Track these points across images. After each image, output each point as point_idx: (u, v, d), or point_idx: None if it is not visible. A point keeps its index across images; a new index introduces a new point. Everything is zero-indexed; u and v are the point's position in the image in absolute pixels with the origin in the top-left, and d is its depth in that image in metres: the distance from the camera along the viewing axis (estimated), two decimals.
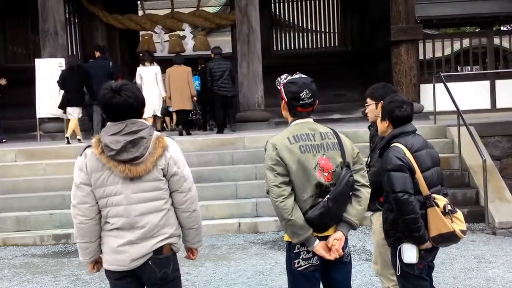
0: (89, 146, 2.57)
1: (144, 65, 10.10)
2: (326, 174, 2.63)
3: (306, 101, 2.69)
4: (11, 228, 6.90)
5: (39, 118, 10.39)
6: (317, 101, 2.75)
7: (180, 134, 10.14)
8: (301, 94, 2.69)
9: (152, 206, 2.57)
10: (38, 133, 10.48)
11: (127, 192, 2.53)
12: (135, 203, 2.54)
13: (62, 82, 9.40)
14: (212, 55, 10.47)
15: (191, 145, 8.43)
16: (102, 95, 2.56)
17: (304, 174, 2.61)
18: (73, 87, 9.45)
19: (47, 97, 10.02)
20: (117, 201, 2.54)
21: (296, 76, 2.83)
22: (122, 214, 2.55)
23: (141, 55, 11.10)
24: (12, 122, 11.64)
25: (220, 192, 7.32)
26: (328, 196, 2.58)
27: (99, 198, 2.56)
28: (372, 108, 3.63)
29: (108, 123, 2.59)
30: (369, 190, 2.76)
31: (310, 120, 2.75)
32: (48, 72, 9.94)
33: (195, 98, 10.61)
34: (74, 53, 13.62)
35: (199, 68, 12.20)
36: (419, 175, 3.13)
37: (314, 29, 14.78)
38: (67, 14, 12.26)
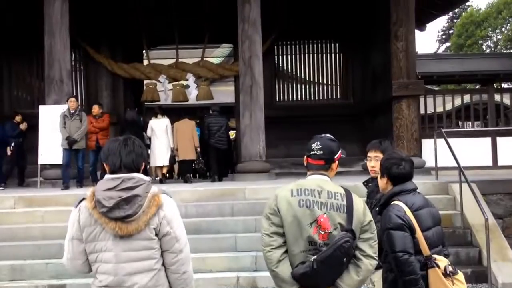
0: (84, 199, 2.53)
1: (156, 117, 11.27)
2: (322, 232, 2.60)
3: (315, 152, 2.74)
4: (6, 277, 6.74)
5: (40, 165, 10.40)
6: (335, 159, 2.78)
7: (185, 181, 10.87)
8: (312, 145, 2.77)
9: (142, 266, 2.50)
10: (39, 179, 10.46)
11: (117, 250, 2.48)
12: (124, 261, 2.48)
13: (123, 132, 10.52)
14: (211, 111, 11.42)
15: (191, 196, 8.36)
16: (109, 145, 2.59)
17: (298, 228, 2.59)
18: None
19: (50, 144, 10.09)
20: (106, 258, 2.49)
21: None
22: (111, 272, 2.49)
23: (146, 103, 11.52)
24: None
25: (219, 244, 7.19)
26: (315, 257, 2.55)
27: (90, 253, 2.51)
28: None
29: (106, 176, 2.55)
30: (374, 262, 2.68)
31: (324, 178, 2.75)
32: (52, 119, 10.04)
33: (198, 149, 11.34)
34: (78, 101, 13.74)
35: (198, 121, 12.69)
36: (419, 234, 3.09)
37: (316, 81, 14.96)
38: (73, 62, 12.47)
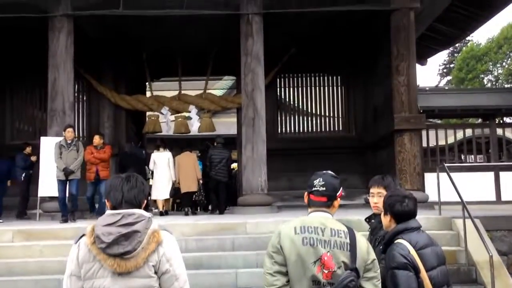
0: (84, 235, 2.48)
1: (158, 151, 11.43)
2: (326, 271, 2.53)
3: (318, 188, 2.70)
4: None
5: (40, 197, 10.32)
6: (337, 196, 2.74)
7: (186, 214, 10.91)
8: (315, 181, 2.73)
9: None
10: (38, 212, 10.34)
11: (115, 287, 2.41)
12: None
13: (122, 165, 10.54)
14: (215, 143, 11.62)
15: (191, 230, 8.25)
16: (111, 181, 2.58)
17: (302, 267, 2.53)
18: (131, 170, 9.75)
19: (51, 176, 10.00)
20: None
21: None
22: None
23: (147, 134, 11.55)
24: (12, 199, 11.58)
25: (219, 280, 7.04)
26: None
27: None
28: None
29: (106, 211, 2.53)
30: None
31: (326, 215, 2.70)
32: (53, 150, 10.01)
33: (201, 181, 11.57)
34: (80, 131, 13.84)
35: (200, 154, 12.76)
36: (423, 274, 3.02)
37: (318, 113, 15.00)
38: (75, 93, 12.54)
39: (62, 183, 9.52)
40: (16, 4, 10.33)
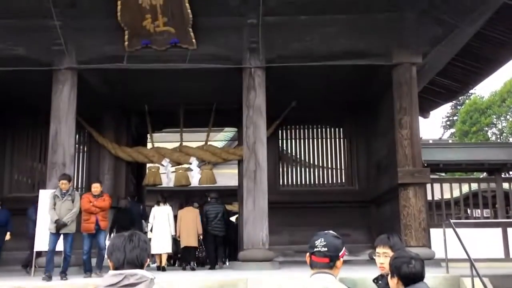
0: None
1: (158, 205, 11.54)
2: None
3: (319, 249, 2.62)
4: None
5: (36, 252, 9.90)
6: (339, 256, 2.65)
7: (184, 269, 10.93)
8: (316, 242, 2.65)
9: None
10: (33, 267, 9.91)
11: None
12: None
13: (114, 222, 10.66)
14: (209, 199, 11.85)
15: (190, 286, 7.98)
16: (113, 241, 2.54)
17: None
18: (125, 225, 9.92)
19: (47, 230, 9.70)
20: None
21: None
22: None
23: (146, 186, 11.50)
24: (6, 253, 11.31)
25: None
26: None
27: None
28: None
29: (109, 272, 2.47)
30: None
31: (330, 277, 2.59)
32: None
33: (201, 236, 11.52)
34: (79, 183, 13.71)
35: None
36: None
37: (320, 165, 14.87)
38: (76, 144, 12.49)
39: (53, 236, 8.89)
40: (20, 58, 10.46)
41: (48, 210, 9.07)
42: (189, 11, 9.73)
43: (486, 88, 38.43)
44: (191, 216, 11.33)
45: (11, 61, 10.35)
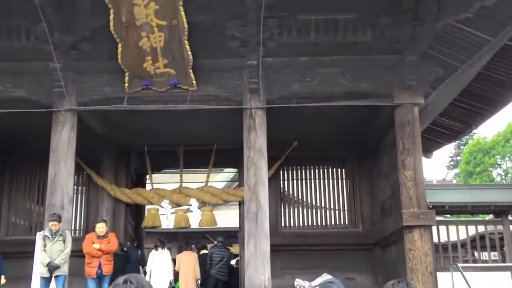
0: None
1: (156, 250, 11.64)
2: None
3: None
4: None
5: None
6: None
7: None
8: None
9: None
10: None
11: None
12: None
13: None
14: (216, 242, 12.10)
15: None
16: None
17: None
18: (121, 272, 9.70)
19: None
20: None
21: (321, 280, 2.71)
22: None
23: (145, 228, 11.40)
24: None
25: None
26: None
27: None
28: None
29: None
30: None
31: None
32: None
33: (199, 281, 11.62)
34: (77, 225, 13.48)
35: (200, 254, 12.58)
36: None
37: (323, 206, 14.63)
38: (74, 185, 12.35)
39: (44, 281, 8.44)
40: (19, 100, 10.45)
41: (38, 252, 8.66)
42: (190, 53, 9.74)
43: (489, 128, 38.47)
44: (190, 260, 11.35)
45: (10, 103, 10.31)
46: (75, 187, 13.16)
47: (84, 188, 14.10)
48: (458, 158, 36.22)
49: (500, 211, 12.31)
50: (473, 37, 9.87)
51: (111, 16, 9.28)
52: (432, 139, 14.43)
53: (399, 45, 10.41)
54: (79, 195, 14.01)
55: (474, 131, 27.88)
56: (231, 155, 13.02)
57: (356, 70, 10.57)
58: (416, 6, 9.79)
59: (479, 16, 9.19)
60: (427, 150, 14.90)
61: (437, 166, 70.63)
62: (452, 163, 38.24)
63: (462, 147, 36.05)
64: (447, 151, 41.43)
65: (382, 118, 11.84)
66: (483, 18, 9.32)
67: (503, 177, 30.50)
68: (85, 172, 13.65)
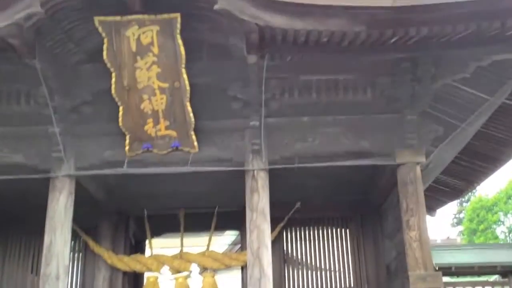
0: None
1: None
2: None
3: None
4: None
5: None
6: None
7: None
8: None
9: None
10: None
11: None
12: None
13: None
14: None
15: None
16: None
17: None
18: None
19: None
20: None
21: None
22: None
23: None
24: None
25: None
26: None
27: None
28: None
29: None
30: None
31: None
32: None
33: None
34: None
35: None
36: None
37: (327, 268, 14.27)
38: (70, 253, 12.01)
39: None
40: (16, 165, 10.28)
41: None
42: (191, 114, 9.74)
43: (491, 185, 38.52)
44: None
45: (6, 168, 10.16)
46: (71, 253, 12.78)
47: (80, 255, 13.68)
48: (461, 215, 35.99)
49: (507, 271, 12.08)
50: (472, 96, 9.99)
51: (113, 80, 9.30)
52: (435, 197, 14.33)
53: (399, 104, 10.48)
54: (75, 262, 13.58)
55: (476, 188, 27.91)
56: (233, 218, 12.79)
57: (358, 129, 10.58)
58: (413, 66, 9.91)
59: (476, 75, 9.35)
60: (431, 208, 14.77)
61: (441, 224, 69.99)
62: (455, 220, 37.94)
63: (464, 204, 35.88)
64: (450, 207, 41.28)
65: (384, 177, 11.76)
66: (480, 77, 9.48)
67: (507, 234, 30.21)
68: (81, 239, 13.29)
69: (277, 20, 8.06)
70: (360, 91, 10.44)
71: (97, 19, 8.59)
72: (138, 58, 9.04)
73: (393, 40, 8.45)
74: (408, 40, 8.44)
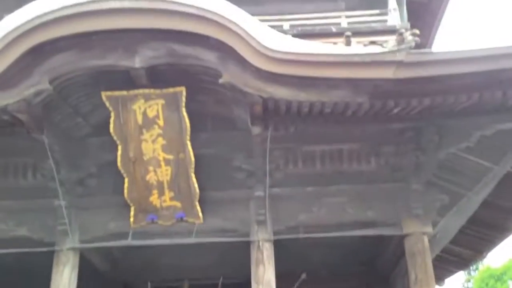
0: None
1: None
2: None
3: None
4: None
5: None
6: None
7: None
8: None
9: None
10: None
11: None
12: None
13: None
14: None
15: None
16: None
17: None
18: None
19: None
20: None
21: None
22: None
23: None
24: None
25: None
26: None
27: None
28: None
29: None
30: None
31: None
32: None
33: None
34: None
35: None
36: None
37: None
38: None
39: None
40: (21, 239, 10.20)
41: None
42: (196, 185, 9.74)
43: (499, 253, 37.80)
44: None
45: (11, 242, 10.07)
46: None
47: None
48: (470, 284, 35.11)
49: None
50: (476, 165, 9.99)
51: (119, 152, 9.37)
52: (443, 267, 14.05)
53: (403, 173, 10.46)
54: None
55: (484, 257, 27.35)
56: None
57: (363, 199, 10.50)
58: (417, 136, 9.99)
59: (480, 145, 9.37)
60: (439, 278, 14.44)
61: None
62: None
63: (473, 272, 35.06)
64: (458, 277, 40.30)
65: (391, 247, 11.58)
66: (484, 146, 9.49)
67: None
68: None
69: (281, 92, 8.18)
70: (364, 160, 10.49)
71: (104, 94, 8.78)
72: (144, 130, 9.16)
73: (396, 110, 8.56)
74: (411, 110, 8.55)
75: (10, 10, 9.95)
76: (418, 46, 8.43)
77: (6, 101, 8.00)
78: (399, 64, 7.79)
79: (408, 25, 11.03)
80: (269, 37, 8.04)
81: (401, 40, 8.67)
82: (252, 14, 8.80)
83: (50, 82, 8.19)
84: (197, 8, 7.89)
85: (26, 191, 10.33)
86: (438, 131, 9.73)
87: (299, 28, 10.95)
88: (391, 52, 7.94)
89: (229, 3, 8.22)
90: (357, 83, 8.02)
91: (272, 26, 9.42)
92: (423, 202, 10.49)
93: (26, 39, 7.80)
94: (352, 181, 10.52)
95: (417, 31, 9.26)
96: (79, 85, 8.76)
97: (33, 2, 7.95)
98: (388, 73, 7.85)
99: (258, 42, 7.90)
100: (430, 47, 16.21)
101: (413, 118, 8.93)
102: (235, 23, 7.93)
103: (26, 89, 8.06)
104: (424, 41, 15.12)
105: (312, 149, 10.36)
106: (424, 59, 7.96)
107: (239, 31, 7.92)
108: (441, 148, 9.87)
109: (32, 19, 7.74)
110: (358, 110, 8.47)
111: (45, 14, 7.72)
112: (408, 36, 8.52)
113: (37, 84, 8.11)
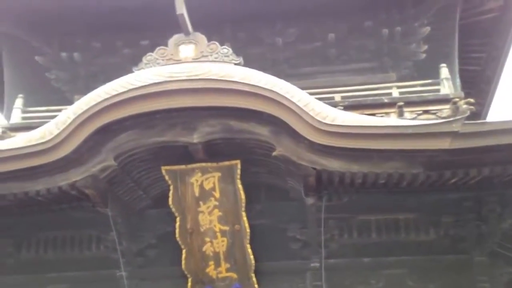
0: None
1: None
2: None
3: None
4: None
5: None
6: None
7: None
8: None
9: None
10: None
11: None
12: None
13: None
14: None
15: None
16: None
17: None
18: None
19: None
20: None
21: None
22: None
23: None
24: None
25: None
26: None
27: None
28: None
29: None
30: None
31: None
32: None
33: None
34: None
35: None
36: None
37: None
38: None
39: None
40: None
41: None
42: (252, 256, 9.79)
43: None
44: None
45: None
46: None
47: None
48: None
49: None
50: None
51: (177, 224, 9.62)
52: None
53: (465, 245, 10.05)
54: None
55: None
56: None
57: (423, 271, 10.10)
58: (477, 205, 9.68)
59: None
60: None
61: None
62: None
63: None
64: None
65: None
66: None
67: None
68: None
69: (334, 164, 8.25)
70: (423, 230, 10.19)
71: (163, 168, 9.18)
72: (201, 202, 9.43)
73: (453, 180, 8.41)
74: (469, 180, 8.37)
75: (81, 92, 10.81)
76: (473, 114, 8.38)
77: (75, 177, 8.51)
78: (455, 135, 7.69)
79: (462, 94, 10.90)
80: (321, 111, 8.22)
81: (455, 110, 8.67)
82: (305, 87, 9.14)
83: (115, 159, 8.68)
84: (251, 85, 8.24)
85: (90, 263, 10.66)
86: (499, 201, 9.42)
87: (351, 100, 11.04)
88: (446, 122, 7.91)
89: (281, 80, 8.56)
90: (411, 155, 7.96)
91: (324, 98, 9.73)
92: (488, 275, 9.99)
93: (96, 120, 8.36)
94: (411, 252, 10.16)
95: (472, 100, 9.26)
96: (140, 160, 9.21)
97: (102, 86, 8.56)
98: (444, 144, 7.74)
99: (311, 116, 8.09)
100: (485, 115, 15.99)
101: (472, 187, 8.73)
102: (287, 99, 8.18)
103: (94, 166, 8.58)
104: (480, 108, 14.93)
105: (367, 219, 10.21)
106: (481, 129, 7.83)
107: (292, 106, 8.16)
108: (504, 218, 9.51)
109: (102, 101, 8.31)
110: (413, 181, 8.39)
111: (113, 96, 8.29)
112: (462, 105, 8.50)
113: (104, 161, 8.62)
